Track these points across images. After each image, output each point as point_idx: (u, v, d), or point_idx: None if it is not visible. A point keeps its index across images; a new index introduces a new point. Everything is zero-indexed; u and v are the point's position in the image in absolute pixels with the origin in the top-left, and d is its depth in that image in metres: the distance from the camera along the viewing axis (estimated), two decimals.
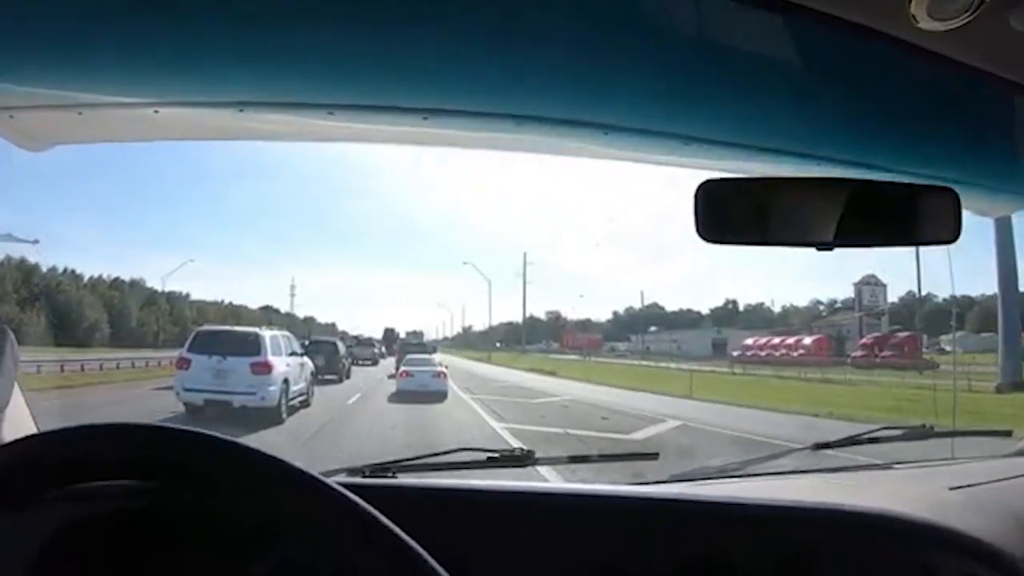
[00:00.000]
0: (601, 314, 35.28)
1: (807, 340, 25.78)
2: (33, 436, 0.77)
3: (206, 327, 13.22)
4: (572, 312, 35.07)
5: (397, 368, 15.62)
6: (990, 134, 1.34)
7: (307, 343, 15.03)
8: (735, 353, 26.14)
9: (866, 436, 1.88)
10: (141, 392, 12.70)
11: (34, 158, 1.61)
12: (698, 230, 1.09)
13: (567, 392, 15.87)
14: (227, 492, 0.73)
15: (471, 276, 39.40)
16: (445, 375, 14.69)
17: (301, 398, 11.76)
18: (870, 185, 1.20)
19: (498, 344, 32.48)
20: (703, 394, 15.17)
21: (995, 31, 0.89)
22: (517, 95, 1.29)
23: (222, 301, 26.72)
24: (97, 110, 1.36)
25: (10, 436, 1.17)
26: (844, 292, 28.84)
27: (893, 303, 26.04)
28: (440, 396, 13.63)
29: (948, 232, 1.13)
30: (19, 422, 1.26)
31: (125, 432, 0.72)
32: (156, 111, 1.35)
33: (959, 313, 23.58)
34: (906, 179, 1.28)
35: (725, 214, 1.11)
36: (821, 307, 30.67)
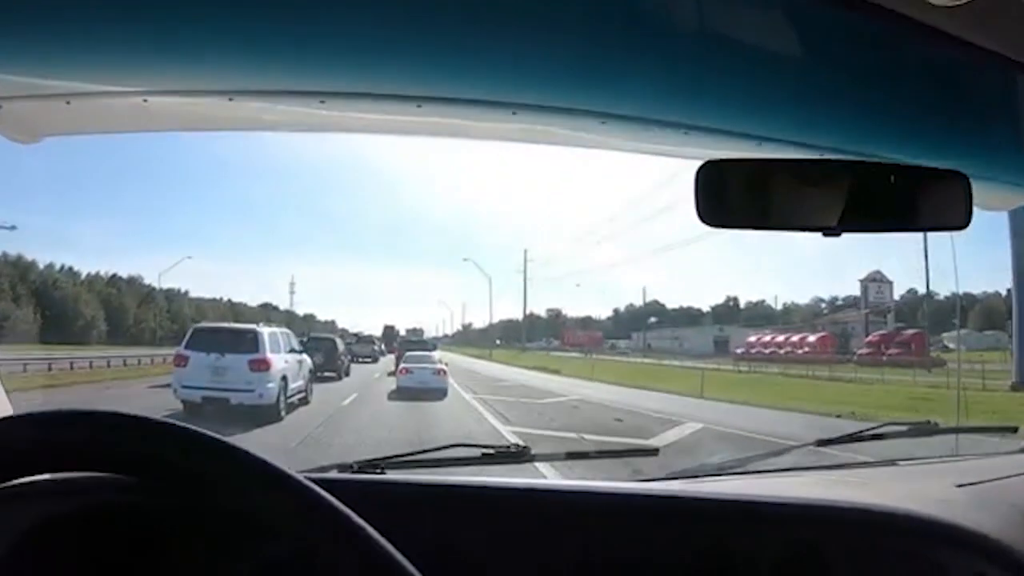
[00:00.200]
0: (601, 312, 35.34)
1: (811, 337, 25.78)
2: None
3: (204, 324, 13.23)
4: (572, 309, 35.14)
5: (397, 365, 15.63)
6: (1005, 121, 1.30)
7: (306, 340, 15.03)
8: (739, 350, 26.17)
9: (869, 432, 1.85)
10: (138, 390, 12.67)
11: (28, 152, 1.58)
12: (698, 213, 1.06)
13: (574, 392, 15.70)
14: (191, 483, 0.70)
15: (471, 274, 39.48)
16: (445, 372, 14.70)
17: (300, 395, 11.78)
18: (878, 168, 1.16)
19: (498, 342, 32.52)
20: (714, 393, 15.04)
21: (1009, 7, 0.85)
22: (512, 83, 1.26)
23: (221, 298, 26.81)
24: (85, 99, 1.34)
25: None
26: (845, 290, 28.90)
27: (895, 301, 26.06)
28: (440, 393, 13.64)
29: (958, 218, 1.09)
30: None
31: (89, 418, 0.69)
32: (145, 100, 1.33)
33: (962, 309, 23.56)
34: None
35: (726, 197, 1.08)
36: (823, 304, 30.73)
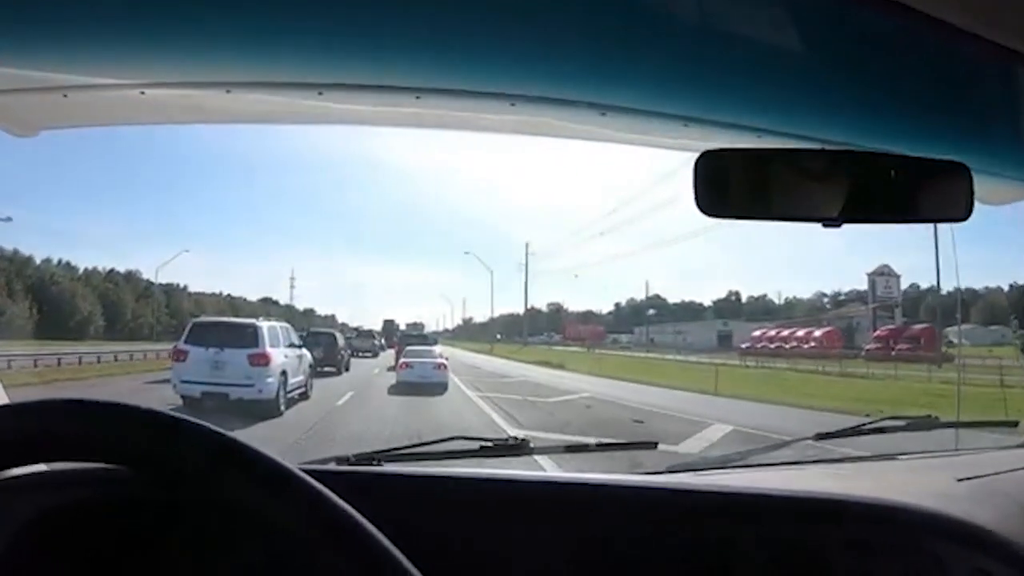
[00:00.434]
0: (603, 306, 35.32)
1: (817, 332, 25.72)
2: None
3: (203, 318, 13.22)
4: (573, 303, 35.13)
5: (397, 360, 15.60)
6: (1008, 116, 1.28)
7: (305, 335, 15.01)
8: (744, 345, 26.08)
9: (869, 426, 1.85)
10: (136, 385, 12.61)
11: (25, 146, 1.58)
12: (697, 203, 1.05)
13: (583, 388, 15.26)
14: (186, 475, 0.70)
15: (472, 268, 39.44)
16: (446, 366, 14.65)
17: (300, 390, 11.77)
18: (879, 158, 1.15)
19: (499, 336, 32.49)
20: (728, 390, 14.68)
21: None
22: (511, 74, 1.25)
23: (220, 293, 26.84)
24: (82, 92, 1.33)
25: None
26: (848, 284, 28.86)
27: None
28: (441, 388, 13.62)
29: (959, 210, 1.08)
30: None
31: (80, 408, 0.68)
32: (142, 92, 1.32)
33: (964, 304, 23.50)
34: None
35: (726, 187, 1.07)
36: (825, 299, 30.72)
